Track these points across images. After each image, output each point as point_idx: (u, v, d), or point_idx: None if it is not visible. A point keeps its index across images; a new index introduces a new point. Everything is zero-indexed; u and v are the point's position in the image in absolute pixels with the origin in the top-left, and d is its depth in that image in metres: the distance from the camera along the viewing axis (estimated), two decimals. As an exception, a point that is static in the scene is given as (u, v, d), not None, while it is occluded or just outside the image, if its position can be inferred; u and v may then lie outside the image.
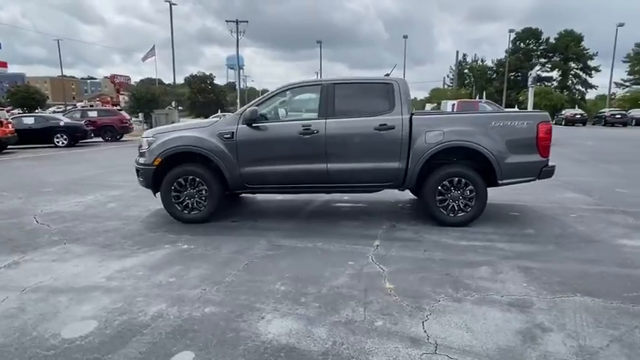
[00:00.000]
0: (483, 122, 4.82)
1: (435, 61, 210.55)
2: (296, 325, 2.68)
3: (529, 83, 38.89)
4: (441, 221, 4.88)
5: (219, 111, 35.89)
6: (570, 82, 73.93)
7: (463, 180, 4.80)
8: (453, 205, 4.86)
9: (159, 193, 5.19)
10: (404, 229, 4.81)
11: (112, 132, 20.72)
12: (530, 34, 73.55)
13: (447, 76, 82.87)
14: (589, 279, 3.39)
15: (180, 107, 36.26)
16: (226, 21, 45.70)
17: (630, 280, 3.36)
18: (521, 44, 75.53)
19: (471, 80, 79.31)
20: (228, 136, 4.94)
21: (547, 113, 5.06)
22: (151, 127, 29.94)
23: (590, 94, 72.04)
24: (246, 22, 46.08)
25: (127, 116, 22.44)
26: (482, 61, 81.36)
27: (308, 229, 4.86)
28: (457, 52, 79.69)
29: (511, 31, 56.52)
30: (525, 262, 3.75)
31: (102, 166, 10.71)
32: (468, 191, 4.82)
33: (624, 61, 69.19)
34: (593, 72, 69.79)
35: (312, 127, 4.86)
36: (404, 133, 4.78)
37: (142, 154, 5.22)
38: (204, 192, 5.05)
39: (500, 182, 4.81)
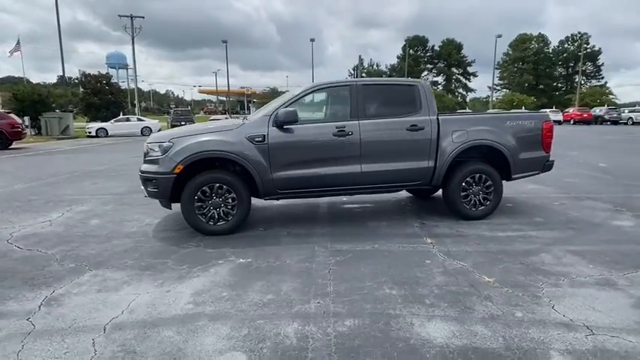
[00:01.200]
0: (500, 122, 5.23)
1: (326, 64, 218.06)
2: (452, 327, 2.67)
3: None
4: (464, 215, 5.17)
5: (121, 113, 32.78)
6: (453, 86, 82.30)
7: (483, 176, 5.15)
8: (475, 200, 5.18)
9: (165, 202, 4.68)
10: (435, 226, 5.00)
11: (1, 139, 17.76)
12: (418, 42, 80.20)
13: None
14: (630, 255, 3.90)
15: (72, 109, 32.30)
16: (119, 16, 42.21)
17: None
18: (411, 51, 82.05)
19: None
20: (260, 139, 4.65)
21: (548, 113, 5.68)
22: (40, 133, 26.33)
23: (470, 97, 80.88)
24: (142, 17, 43.06)
25: (19, 120, 19.38)
26: (377, 65, 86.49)
27: (345, 232, 4.79)
28: (360, 56, 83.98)
29: (409, 39, 60.99)
30: (568, 247, 4.18)
31: (26, 178, 9.14)
32: (487, 186, 5.17)
33: (496, 68, 79.17)
34: (471, 77, 78.50)
35: (347, 129, 4.80)
36: (433, 133, 4.97)
37: (152, 162, 4.64)
38: (230, 200, 4.66)
39: (513, 177, 5.27)
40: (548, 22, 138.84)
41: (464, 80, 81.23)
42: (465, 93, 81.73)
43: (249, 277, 3.51)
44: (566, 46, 77.10)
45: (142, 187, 4.89)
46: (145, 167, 4.73)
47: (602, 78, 73.31)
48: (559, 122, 37.82)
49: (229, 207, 4.68)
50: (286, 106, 4.77)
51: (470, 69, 79.67)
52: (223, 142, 4.61)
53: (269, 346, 2.47)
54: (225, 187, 4.63)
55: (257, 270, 3.67)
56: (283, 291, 3.23)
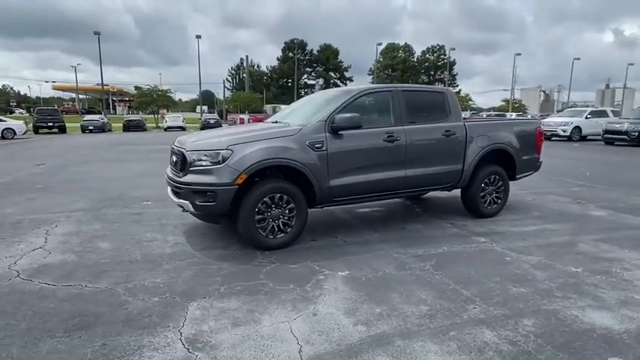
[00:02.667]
0: (510, 127, 5.88)
1: (191, 62, 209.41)
2: (606, 313, 3.01)
3: (317, 90, 44.34)
4: (480, 214, 5.68)
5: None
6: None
7: (497, 177, 5.73)
8: (490, 199, 5.74)
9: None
10: (465, 226, 5.39)
11: None
12: (298, 45, 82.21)
13: (227, 80, 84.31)
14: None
15: None
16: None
17: None
18: (290, 53, 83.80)
19: (251, 85, 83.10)
20: (319, 145, 4.47)
21: (539, 120, 6.51)
22: None
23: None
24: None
25: None
26: (258, 66, 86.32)
27: (396, 237, 4.87)
28: (247, 57, 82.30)
29: (288, 42, 61.99)
30: (590, 236, 4.91)
31: None
32: (499, 187, 5.77)
33: (369, 74, 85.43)
34: (348, 82, 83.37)
35: (395, 135, 4.89)
36: (462, 138, 5.36)
37: (203, 172, 4.12)
38: (288, 212, 4.39)
39: (517, 177, 5.96)
40: (404, 32, 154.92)
41: (341, 84, 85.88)
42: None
43: (373, 290, 3.40)
44: (427, 56, 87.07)
45: (179, 201, 4.30)
46: (192, 178, 4.16)
47: (457, 85, 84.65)
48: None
49: (287, 218, 4.38)
50: (340, 111, 4.65)
51: (346, 74, 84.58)
52: (287, 149, 4.31)
53: (492, 355, 2.48)
54: (285, 197, 4.33)
55: (370, 282, 3.56)
56: (427, 300, 3.21)
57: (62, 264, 3.91)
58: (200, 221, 5.16)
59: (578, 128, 23.09)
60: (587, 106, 40.88)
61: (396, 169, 4.93)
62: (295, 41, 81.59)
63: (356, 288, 3.42)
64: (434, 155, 5.20)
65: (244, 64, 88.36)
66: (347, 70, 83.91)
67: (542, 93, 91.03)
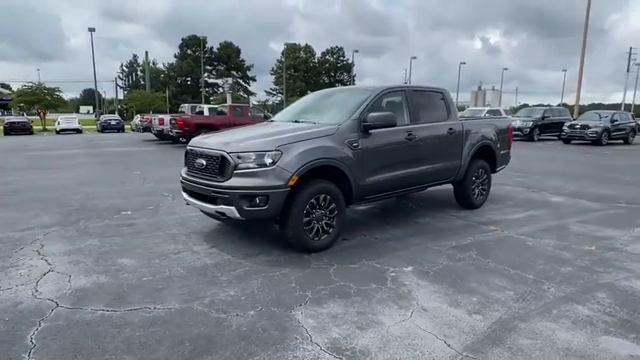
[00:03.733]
0: (492, 125, 6.47)
1: (68, 58, 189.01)
2: (650, 281, 3.57)
3: (227, 89, 43.19)
4: (470, 205, 6.19)
5: None
6: (235, 88, 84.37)
7: (483, 171, 6.30)
8: (477, 192, 6.29)
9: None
10: (466, 216, 5.83)
11: None
12: (197, 42, 78.86)
13: (119, 77, 77.63)
14: (616, 217, 5.66)
15: None
16: None
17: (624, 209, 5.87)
18: (189, 51, 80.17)
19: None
20: (356, 144, 4.51)
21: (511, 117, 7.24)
22: None
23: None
24: None
25: None
26: (154, 63, 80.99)
27: (417, 231, 5.08)
28: (146, 53, 75.86)
29: (186, 38, 59.17)
30: (574, 219, 5.66)
31: None
32: (484, 180, 6.35)
33: (271, 74, 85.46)
34: (251, 81, 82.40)
35: (413, 133, 5.13)
36: (460, 136, 5.80)
37: (252, 174, 3.89)
38: (329, 212, 4.36)
39: (496, 170, 6.61)
40: (297, 33, 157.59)
41: (244, 84, 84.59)
42: (246, 96, 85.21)
43: (450, 281, 3.55)
44: (327, 57, 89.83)
45: (216, 208, 4.00)
46: (238, 182, 3.89)
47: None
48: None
49: (329, 219, 4.34)
50: (369, 110, 4.70)
51: (249, 73, 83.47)
52: (332, 148, 4.27)
53: (604, 326, 2.80)
54: (328, 197, 4.28)
55: (440, 275, 3.71)
56: (506, 286, 3.47)
57: (99, 287, 3.39)
58: (208, 227, 4.92)
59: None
60: (464, 107, 45.87)
61: (414, 166, 5.15)
62: (192, 38, 78.03)
63: (434, 281, 3.54)
64: (441, 152, 5.53)
65: (139, 61, 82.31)
66: (249, 70, 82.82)
67: None
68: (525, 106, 54.69)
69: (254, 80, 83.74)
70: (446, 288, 3.41)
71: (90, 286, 3.40)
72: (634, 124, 22.45)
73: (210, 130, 16.97)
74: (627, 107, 53.47)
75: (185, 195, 4.60)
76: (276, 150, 3.93)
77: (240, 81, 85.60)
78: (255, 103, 74.52)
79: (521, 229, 5.13)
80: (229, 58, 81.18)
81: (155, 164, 11.64)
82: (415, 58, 58.73)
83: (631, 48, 56.04)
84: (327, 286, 3.41)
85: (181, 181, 4.64)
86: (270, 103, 78.49)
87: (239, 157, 3.92)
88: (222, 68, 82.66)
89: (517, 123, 22.52)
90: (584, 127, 20.57)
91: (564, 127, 21.58)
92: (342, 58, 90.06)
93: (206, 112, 20.67)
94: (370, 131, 4.64)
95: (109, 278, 3.56)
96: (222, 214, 4.04)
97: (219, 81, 77.95)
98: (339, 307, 3.05)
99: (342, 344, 2.57)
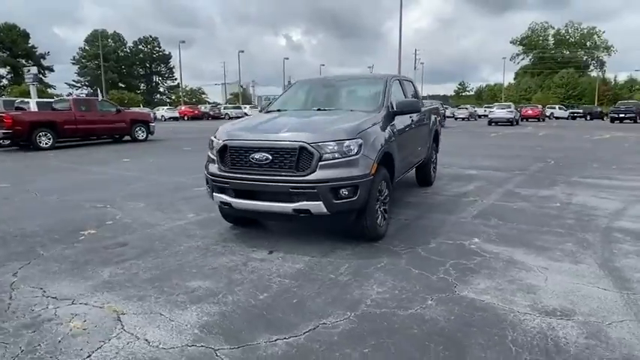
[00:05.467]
0: (437, 111, 7.33)
1: None
2: None
3: (30, 81, 36.47)
4: (430, 183, 6.97)
5: None
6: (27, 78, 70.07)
7: (435, 152, 7.15)
8: (432, 170, 7.12)
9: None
10: (435, 192, 6.54)
11: None
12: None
13: None
14: (528, 179, 7.16)
15: None
16: None
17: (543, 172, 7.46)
18: (-51, 31, 62.94)
19: None
20: (393, 129, 4.66)
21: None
22: None
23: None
24: None
25: None
26: None
27: (426, 210, 5.52)
28: None
29: None
30: (511, 183, 6.98)
31: None
32: (434, 160, 7.22)
33: (73, 63, 73.75)
34: (47, 71, 69.61)
35: (413, 118, 5.54)
36: (429, 121, 6.48)
37: (340, 165, 3.68)
38: (384, 198, 4.42)
39: (437, 152, 7.55)
40: (88, 19, 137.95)
41: (41, 75, 70.60)
42: (44, 88, 71.50)
43: (523, 242, 4.09)
44: (140, 47, 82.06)
45: (298, 205, 3.64)
46: (327, 174, 3.61)
47: (176, 79, 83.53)
48: (176, 118, 41.61)
49: (385, 204, 4.39)
50: (389, 96, 4.85)
51: (44, 62, 70.20)
52: (386, 135, 4.30)
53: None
54: (385, 183, 4.34)
55: (506, 239, 4.20)
56: (569, 239, 4.19)
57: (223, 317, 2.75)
58: (229, 232, 4.37)
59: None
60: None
61: (412, 148, 5.54)
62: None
63: (508, 245, 4.00)
64: (424, 135, 6.06)
65: None
66: (44, 58, 69.53)
67: (240, 87, 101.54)
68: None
69: (51, 70, 70.73)
70: (526, 248, 3.90)
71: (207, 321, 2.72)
72: (442, 111, 27.61)
73: (49, 129, 14.07)
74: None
75: (224, 196, 3.95)
76: (358, 137, 3.77)
77: (35, 69, 71.14)
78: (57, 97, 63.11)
79: (491, 197, 6.05)
80: (14, 44, 66.44)
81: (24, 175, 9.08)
82: (243, 51, 58.68)
83: (416, 50, 68.09)
84: (446, 267, 3.50)
85: (217, 180, 3.96)
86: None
87: (322, 148, 3.62)
88: (6, 55, 67.24)
89: None
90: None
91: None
92: (158, 48, 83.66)
93: (33, 107, 16.89)
94: (396, 117, 4.79)
95: (217, 306, 2.89)
96: (303, 211, 3.66)
97: (4, 70, 63.42)
98: (487, 281, 3.22)
99: (539, 308, 2.77)
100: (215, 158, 4.03)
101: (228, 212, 4.23)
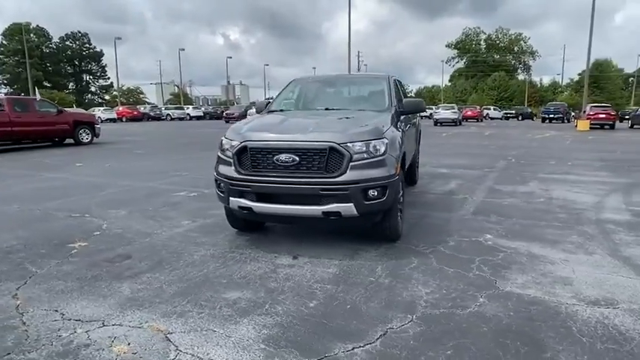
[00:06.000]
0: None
1: None
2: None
3: None
4: (415, 181, 7.13)
5: None
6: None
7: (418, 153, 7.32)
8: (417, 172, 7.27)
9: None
10: (423, 191, 6.72)
11: None
12: None
13: None
14: (503, 175, 7.56)
15: None
16: None
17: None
18: None
19: None
20: (402, 129, 4.69)
21: None
22: None
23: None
24: None
25: None
26: None
27: (423, 208, 5.65)
28: None
29: None
30: (490, 180, 7.31)
31: None
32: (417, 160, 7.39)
33: None
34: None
35: (411, 119, 5.62)
36: (417, 120, 6.62)
37: (369, 165, 3.62)
38: (400, 198, 4.43)
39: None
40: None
41: None
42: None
43: (533, 235, 4.29)
44: (68, 43, 76.50)
45: (328, 208, 3.53)
46: (358, 175, 3.53)
47: (109, 78, 78.69)
48: (114, 120, 39.34)
49: (402, 205, 4.40)
50: (396, 97, 4.89)
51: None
52: (401, 134, 4.32)
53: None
54: (401, 183, 4.35)
55: (514, 233, 4.39)
56: (569, 226, 4.44)
57: None
58: (240, 239, 4.19)
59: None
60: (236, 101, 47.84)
61: (411, 148, 5.62)
62: None
63: (520, 239, 4.17)
64: (414, 135, 6.17)
65: None
66: None
67: (176, 87, 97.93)
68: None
69: None
70: (538, 242, 4.08)
71: None
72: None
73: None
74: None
75: (243, 200, 3.74)
76: (384, 137, 3.73)
77: None
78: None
79: (478, 194, 6.29)
80: None
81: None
82: (184, 49, 56.17)
83: (359, 52, 69.57)
84: (476, 264, 3.56)
85: (235, 184, 3.74)
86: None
87: (351, 148, 3.54)
88: None
89: None
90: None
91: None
92: (87, 45, 78.44)
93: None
94: (401, 116, 4.83)
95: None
96: (333, 214, 3.56)
97: None
98: (522, 275, 3.31)
99: (582, 298, 2.91)
100: (231, 160, 3.80)
101: (247, 217, 4.02)
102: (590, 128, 24.13)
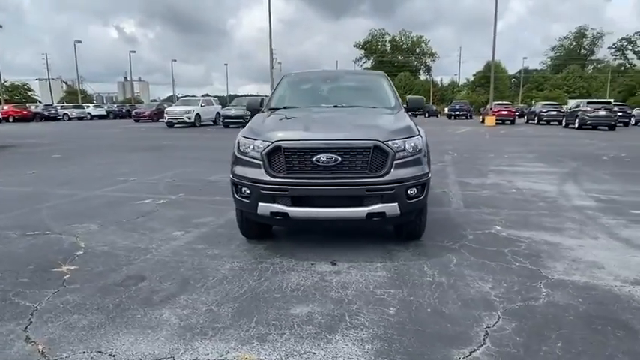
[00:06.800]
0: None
1: None
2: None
3: None
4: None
5: None
6: None
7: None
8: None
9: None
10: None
11: None
12: None
13: None
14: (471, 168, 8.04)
15: None
16: None
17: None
18: None
19: None
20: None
21: None
22: None
23: None
24: None
25: None
26: None
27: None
28: None
29: None
30: (460, 179, 7.71)
31: None
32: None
33: None
34: None
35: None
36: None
37: (411, 163, 3.56)
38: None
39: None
40: None
41: None
42: None
43: (542, 226, 4.60)
44: None
45: (373, 209, 3.39)
46: (403, 173, 3.45)
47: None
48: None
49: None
50: (396, 94, 4.91)
51: None
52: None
53: None
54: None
55: (520, 224, 4.67)
56: (566, 215, 4.82)
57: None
58: (257, 246, 3.92)
59: (198, 115, 26.22)
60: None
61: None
62: None
63: (532, 229, 4.45)
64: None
65: None
66: None
67: (64, 84, 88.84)
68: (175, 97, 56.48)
69: None
70: (545, 231, 4.37)
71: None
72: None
73: None
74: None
75: (277, 206, 3.44)
76: (419, 135, 3.70)
77: None
78: None
79: (452, 188, 6.59)
80: None
81: None
82: (80, 42, 50.39)
83: (273, 49, 68.94)
84: (508, 256, 3.70)
85: (268, 188, 3.43)
86: None
87: (393, 146, 3.45)
88: None
89: (232, 111, 24.59)
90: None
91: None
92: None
93: None
94: (409, 113, 4.85)
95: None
96: (378, 215, 3.43)
97: None
98: (557, 263, 3.51)
99: (624, 279, 3.17)
100: (259, 162, 3.47)
101: (277, 224, 3.71)
102: (496, 124, 26.79)
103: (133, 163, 9.79)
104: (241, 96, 32.77)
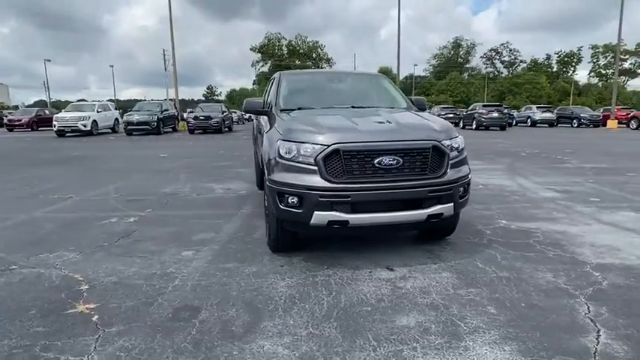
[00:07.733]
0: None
1: None
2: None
3: None
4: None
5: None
6: None
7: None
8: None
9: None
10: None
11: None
12: None
13: None
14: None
15: None
16: None
17: None
18: None
19: None
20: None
21: None
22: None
23: None
24: None
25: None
26: None
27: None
28: None
29: None
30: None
31: None
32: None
33: None
34: None
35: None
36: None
37: (459, 163, 3.63)
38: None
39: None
40: None
41: None
42: None
43: (551, 221, 4.99)
44: None
45: (433, 210, 3.36)
46: (457, 174, 3.49)
47: None
48: None
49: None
50: (402, 93, 4.97)
51: None
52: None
53: None
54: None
55: (523, 218, 5.04)
56: (566, 209, 5.29)
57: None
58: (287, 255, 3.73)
59: (95, 122, 23.65)
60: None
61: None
62: None
63: (554, 223, 4.83)
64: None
65: None
66: None
67: None
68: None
69: None
70: (547, 222, 4.76)
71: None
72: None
73: None
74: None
75: (336, 214, 3.22)
76: (460, 135, 3.77)
77: None
78: None
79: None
80: None
81: None
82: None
83: (164, 50, 64.82)
84: (536, 247, 3.95)
85: (326, 195, 3.20)
86: None
87: (447, 146, 3.47)
88: None
89: (134, 117, 22.87)
90: (208, 117, 23.74)
91: (189, 119, 24.05)
92: None
93: None
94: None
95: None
96: (436, 216, 3.41)
97: None
98: (581, 249, 3.83)
99: (647, 258, 3.60)
100: (314, 168, 3.22)
101: (334, 233, 3.46)
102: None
103: (53, 179, 8.43)
104: (142, 100, 30.38)
